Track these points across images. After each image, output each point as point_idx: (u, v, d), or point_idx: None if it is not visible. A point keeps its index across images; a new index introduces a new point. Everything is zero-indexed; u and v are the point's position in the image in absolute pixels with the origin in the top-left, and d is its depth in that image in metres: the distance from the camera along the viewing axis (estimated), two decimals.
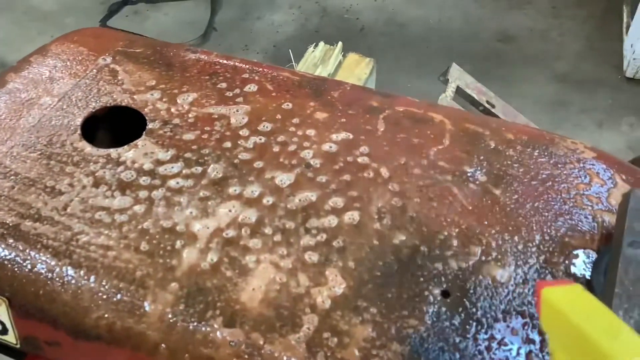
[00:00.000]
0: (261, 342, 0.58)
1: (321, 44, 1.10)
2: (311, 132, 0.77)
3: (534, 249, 0.64)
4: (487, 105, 1.77)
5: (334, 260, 0.63)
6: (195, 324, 0.60)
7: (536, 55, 2.89)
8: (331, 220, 0.67)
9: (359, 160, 0.73)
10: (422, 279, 0.62)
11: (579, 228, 0.66)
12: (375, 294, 0.61)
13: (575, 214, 0.67)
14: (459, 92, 1.73)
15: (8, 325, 0.68)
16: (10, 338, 0.69)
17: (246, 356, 0.58)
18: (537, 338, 0.58)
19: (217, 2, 3.06)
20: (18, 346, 0.70)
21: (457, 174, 0.71)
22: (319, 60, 1.09)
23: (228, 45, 2.84)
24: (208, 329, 0.59)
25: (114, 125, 0.80)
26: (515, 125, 0.77)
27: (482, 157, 0.73)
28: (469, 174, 0.71)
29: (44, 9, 2.98)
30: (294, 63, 1.19)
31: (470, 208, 0.68)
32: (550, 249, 0.64)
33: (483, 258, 0.63)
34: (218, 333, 0.59)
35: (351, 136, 0.76)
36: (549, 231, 0.66)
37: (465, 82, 1.77)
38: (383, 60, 2.75)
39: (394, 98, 0.81)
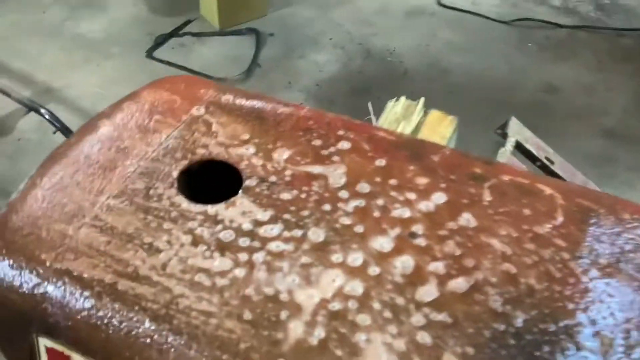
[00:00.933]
0: None
1: (402, 98, 1.07)
2: (412, 196, 0.73)
3: None
4: (546, 162, 1.73)
5: (450, 345, 0.59)
6: None
7: (582, 108, 2.85)
8: (443, 295, 0.63)
9: (467, 230, 0.69)
10: None
11: None
12: None
13: None
14: (518, 146, 1.69)
15: None
16: None
17: None
18: None
19: (261, 39, 3.07)
20: None
21: (577, 255, 0.67)
22: (401, 116, 1.06)
23: (271, 82, 2.83)
24: None
25: (207, 180, 0.78)
26: (629, 202, 0.73)
27: (599, 238, 0.68)
28: (587, 256, 0.67)
29: (91, 37, 3.01)
30: (372, 117, 1.17)
31: (596, 293, 0.63)
32: None
33: (621, 350, 0.58)
34: None
35: (456, 204, 0.72)
36: None
37: (524, 136, 1.73)
38: (425, 105, 2.74)
39: (497, 166, 0.78)
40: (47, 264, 0.64)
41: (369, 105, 1.27)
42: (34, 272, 0.64)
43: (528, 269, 0.66)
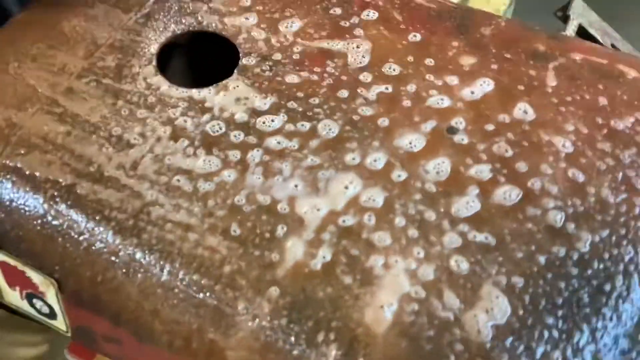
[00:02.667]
0: None
1: None
2: (454, 80, 0.57)
3: None
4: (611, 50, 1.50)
5: (492, 274, 0.46)
6: (301, 348, 0.44)
7: None
8: (487, 209, 0.49)
9: (522, 124, 0.54)
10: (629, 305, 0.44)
11: None
12: (545, 323, 0.43)
13: None
14: (580, 31, 1.47)
15: (57, 310, 0.54)
16: (60, 324, 0.55)
17: None
18: None
19: None
20: (68, 334, 0.56)
21: None
22: None
23: None
24: (318, 358, 0.43)
25: (196, 57, 0.63)
26: None
27: None
28: None
29: None
30: None
31: None
32: None
33: None
34: None
35: (510, 90, 0.56)
36: None
37: (589, 20, 1.50)
38: None
39: (567, 42, 0.61)
40: None
41: None
42: None
43: (601, 176, 0.50)
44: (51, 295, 0.52)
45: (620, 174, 0.51)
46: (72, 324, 0.54)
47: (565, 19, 1.47)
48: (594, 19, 1.52)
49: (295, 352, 0.44)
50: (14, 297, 0.56)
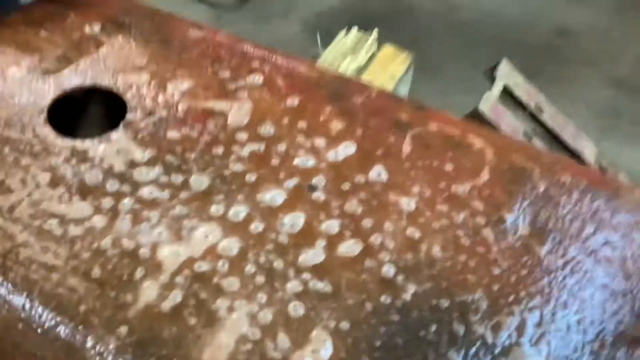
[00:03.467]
0: None
1: (354, 30, 0.95)
2: (321, 143, 0.63)
3: (584, 336, 0.50)
4: (534, 110, 1.60)
5: (324, 318, 0.51)
6: None
7: (594, 54, 2.68)
8: (330, 260, 0.54)
9: (375, 185, 0.60)
10: (435, 352, 0.49)
11: None
12: None
13: None
14: (506, 91, 1.57)
15: None
16: None
17: None
18: None
19: None
20: None
21: (494, 220, 0.57)
22: (350, 50, 0.95)
23: (267, 10, 2.69)
24: None
25: (92, 112, 0.68)
26: (573, 164, 0.63)
27: (527, 202, 0.58)
28: (508, 222, 0.57)
29: None
30: (320, 48, 1.05)
31: (506, 266, 0.54)
32: (607, 341, 0.50)
33: (515, 336, 0.49)
34: None
35: (369, 154, 0.62)
36: (606, 318, 0.52)
37: (515, 81, 1.60)
38: (427, 43, 2.57)
39: (428, 113, 0.67)
40: None
41: (317, 35, 1.14)
42: None
43: (434, 234, 0.56)
44: None
45: (451, 233, 0.56)
46: None
47: (492, 78, 1.57)
48: (520, 81, 1.63)
49: None
50: None
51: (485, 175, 0.60)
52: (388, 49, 0.95)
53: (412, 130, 0.65)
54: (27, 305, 0.51)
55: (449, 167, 0.62)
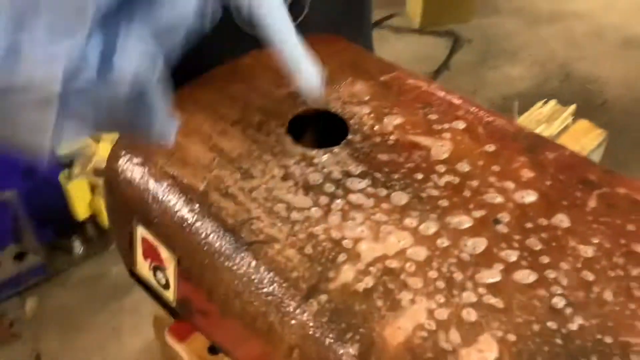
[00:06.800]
0: None
1: (552, 101, 1.02)
2: (510, 185, 0.71)
3: None
4: None
5: (493, 327, 0.57)
6: (332, 341, 0.58)
7: None
8: (505, 282, 0.61)
9: (556, 229, 0.66)
10: None
11: None
12: None
13: None
14: None
15: (171, 282, 0.72)
16: (170, 294, 0.74)
17: None
18: None
19: (457, 43, 3.04)
20: (174, 304, 0.74)
21: None
22: (545, 118, 1.02)
23: (455, 87, 2.80)
24: (342, 350, 0.57)
25: (317, 128, 0.82)
26: None
27: None
28: None
29: None
30: (515, 114, 1.12)
31: None
32: None
33: None
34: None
35: (555, 202, 0.69)
36: None
37: None
38: (619, 140, 2.52)
39: (618, 177, 0.72)
40: (159, 166, 0.73)
41: (515, 103, 1.21)
42: (147, 170, 0.73)
43: (608, 281, 0.61)
44: (170, 269, 0.71)
45: (625, 283, 0.61)
46: (178, 295, 0.72)
47: None
48: None
49: (326, 343, 0.58)
50: (144, 268, 0.75)
51: None
52: (583, 123, 1.01)
53: (599, 189, 0.70)
54: (252, 264, 0.64)
55: (631, 227, 0.66)
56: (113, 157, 0.77)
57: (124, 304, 2.18)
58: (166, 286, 0.74)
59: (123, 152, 0.76)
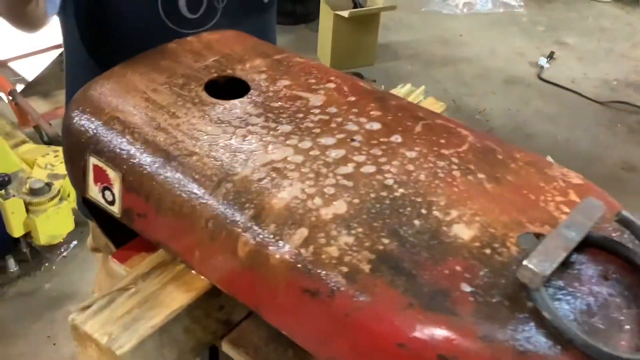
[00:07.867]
0: (273, 230, 0.81)
1: (408, 85, 1.34)
2: (363, 120, 1.00)
3: (495, 223, 0.81)
4: None
5: (344, 196, 0.85)
6: (233, 211, 0.84)
7: None
8: (355, 173, 0.89)
9: (392, 144, 0.95)
10: (402, 219, 0.81)
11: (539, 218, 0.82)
12: (365, 220, 0.81)
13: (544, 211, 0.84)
14: None
15: (117, 196, 0.96)
16: (115, 208, 0.97)
17: (256, 238, 0.81)
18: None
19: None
20: (119, 215, 0.97)
21: (463, 169, 0.90)
22: (402, 95, 1.33)
23: None
24: (242, 217, 0.83)
25: (228, 88, 1.10)
26: (525, 151, 0.95)
27: (488, 164, 0.92)
28: (473, 171, 0.90)
29: None
30: None
31: (462, 189, 0.87)
32: (508, 226, 0.81)
33: (456, 218, 0.81)
34: (247, 222, 0.82)
35: (393, 129, 0.98)
36: (514, 215, 0.83)
37: None
38: None
39: (437, 115, 1.03)
40: (105, 112, 0.98)
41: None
42: (95, 116, 0.98)
43: (422, 170, 0.90)
44: (116, 186, 0.95)
45: (433, 171, 0.90)
46: (122, 207, 0.96)
47: None
48: None
49: (231, 212, 0.83)
50: (94, 190, 0.99)
51: (464, 147, 0.94)
52: (430, 99, 1.33)
53: (424, 121, 1.00)
54: (180, 169, 0.89)
55: (442, 141, 0.96)
56: (70, 109, 1.01)
57: (58, 316, 2.31)
58: (112, 202, 0.97)
59: (77, 105, 1.01)
